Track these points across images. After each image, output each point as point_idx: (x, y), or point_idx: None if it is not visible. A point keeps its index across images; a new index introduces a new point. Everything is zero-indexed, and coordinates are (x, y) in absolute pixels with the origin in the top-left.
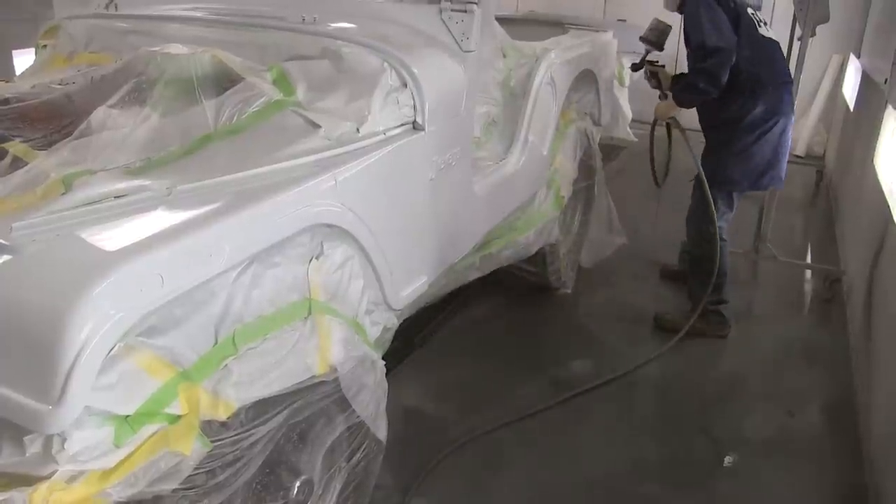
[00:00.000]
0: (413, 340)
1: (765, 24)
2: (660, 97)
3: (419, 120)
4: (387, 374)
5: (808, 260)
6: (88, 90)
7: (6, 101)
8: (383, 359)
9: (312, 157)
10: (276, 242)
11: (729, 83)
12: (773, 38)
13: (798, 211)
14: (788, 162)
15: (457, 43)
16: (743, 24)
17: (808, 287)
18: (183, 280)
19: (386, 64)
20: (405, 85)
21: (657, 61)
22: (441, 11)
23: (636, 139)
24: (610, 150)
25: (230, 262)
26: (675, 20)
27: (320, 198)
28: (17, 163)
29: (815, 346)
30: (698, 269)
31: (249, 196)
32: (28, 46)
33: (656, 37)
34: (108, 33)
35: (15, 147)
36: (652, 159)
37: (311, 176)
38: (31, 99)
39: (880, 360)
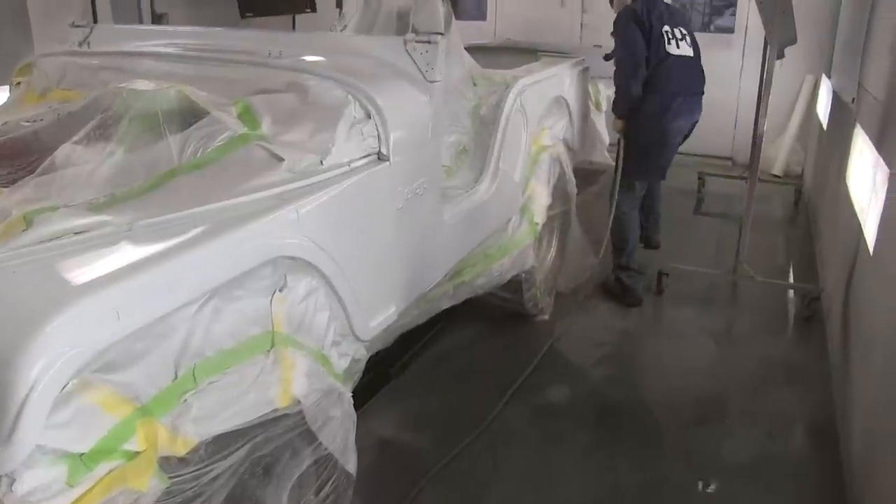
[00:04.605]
0: (389, 371)
1: (682, 39)
2: None
3: (384, 151)
4: (362, 405)
5: (790, 279)
6: (55, 127)
7: None
8: (358, 390)
9: (275, 191)
10: (236, 276)
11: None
12: (686, 54)
13: (778, 230)
14: (766, 182)
15: (422, 73)
16: (653, 40)
17: (787, 306)
18: (140, 315)
19: (350, 96)
20: (369, 116)
21: None
22: (406, 43)
23: (614, 163)
24: (590, 174)
25: (190, 297)
26: None
27: (281, 231)
28: None
29: (795, 365)
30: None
31: (209, 230)
32: (7, 83)
33: None
34: (81, 70)
35: None
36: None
37: (273, 209)
38: None
39: (855, 380)
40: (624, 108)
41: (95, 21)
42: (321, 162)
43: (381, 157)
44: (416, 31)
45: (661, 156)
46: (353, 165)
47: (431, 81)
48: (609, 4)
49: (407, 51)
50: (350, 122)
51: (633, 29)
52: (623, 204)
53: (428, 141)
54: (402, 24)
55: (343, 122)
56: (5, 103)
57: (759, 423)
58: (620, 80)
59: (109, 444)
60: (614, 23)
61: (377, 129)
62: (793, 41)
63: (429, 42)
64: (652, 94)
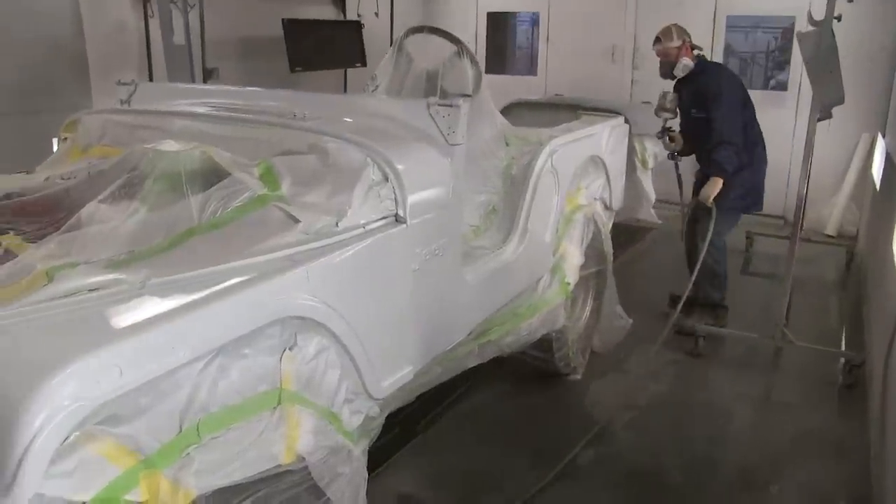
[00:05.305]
0: (416, 427)
1: None
2: (669, 156)
3: (401, 213)
4: (385, 461)
5: (841, 343)
6: (85, 184)
7: (8, 196)
8: (383, 445)
9: (288, 251)
10: (243, 335)
11: None
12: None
13: (828, 293)
14: (818, 242)
15: (443, 136)
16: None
17: (830, 373)
18: (143, 371)
19: (368, 159)
20: (387, 179)
21: (671, 128)
22: (429, 106)
23: (661, 221)
24: (635, 231)
25: (194, 355)
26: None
27: (291, 291)
28: (9, 255)
29: (833, 436)
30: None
31: (217, 290)
32: None
33: (672, 106)
34: (120, 128)
35: (9, 240)
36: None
37: (282, 270)
38: (32, 193)
39: (890, 454)
40: (737, 163)
41: (151, 77)
42: (336, 223)
43: (398, 219)
44: (444, 93)
45: (763, 189)
46: (368, 227)
47: (453, 144)
48: (663, 72)
49: (430, 114)
50: (368, 185)
51: (735, 96)
52: (717, 240)
53: (448, 203)
54: (430, 86)
55: (360, 185)
56: (52, 157)
57: (791, 497)
58: (732, 138)
59: (112, 494)
60: (714, 82)
61: (394, 192)
62: (840, 101)
63: (451, 105)
64: (757, 146)
